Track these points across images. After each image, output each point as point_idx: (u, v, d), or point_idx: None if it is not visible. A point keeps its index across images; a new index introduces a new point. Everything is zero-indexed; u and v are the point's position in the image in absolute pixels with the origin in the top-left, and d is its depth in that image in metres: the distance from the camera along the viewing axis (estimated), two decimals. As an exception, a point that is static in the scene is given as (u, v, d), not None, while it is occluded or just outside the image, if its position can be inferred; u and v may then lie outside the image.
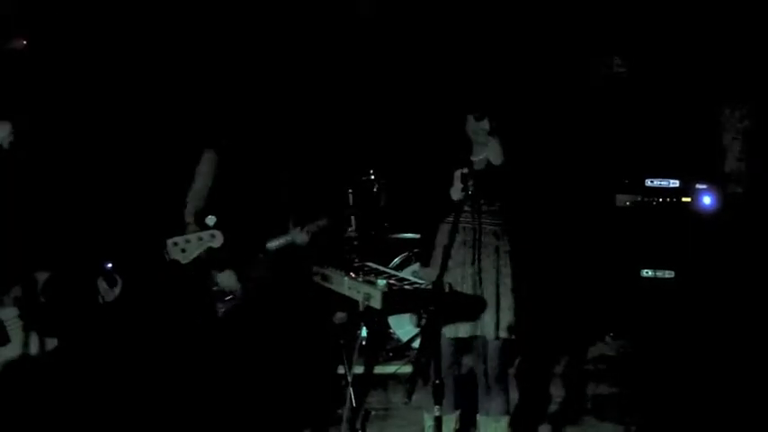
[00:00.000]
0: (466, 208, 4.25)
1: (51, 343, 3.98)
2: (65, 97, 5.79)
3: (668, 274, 6.91)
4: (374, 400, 5.82)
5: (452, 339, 4.37)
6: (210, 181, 4.89)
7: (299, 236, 4.90)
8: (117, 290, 3.99)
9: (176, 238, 3.93)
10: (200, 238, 3.94)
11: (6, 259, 3.98)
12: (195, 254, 3.94)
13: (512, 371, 4.66)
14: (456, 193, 4.24)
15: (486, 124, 4.34)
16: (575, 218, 7.01)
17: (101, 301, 3.96)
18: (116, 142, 6.10)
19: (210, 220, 3.95)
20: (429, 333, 3.63)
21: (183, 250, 3.92)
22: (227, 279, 4.74)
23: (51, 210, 4.34)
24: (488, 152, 4.33)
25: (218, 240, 3.95)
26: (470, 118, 4.39)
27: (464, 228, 4.33)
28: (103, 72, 6.18)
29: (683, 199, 6.98)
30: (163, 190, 5.91)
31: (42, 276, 3.98)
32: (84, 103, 5.98)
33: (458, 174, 4.18)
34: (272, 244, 4.82)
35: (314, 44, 6.98)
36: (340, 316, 5.83)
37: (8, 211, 4.08)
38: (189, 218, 4.84)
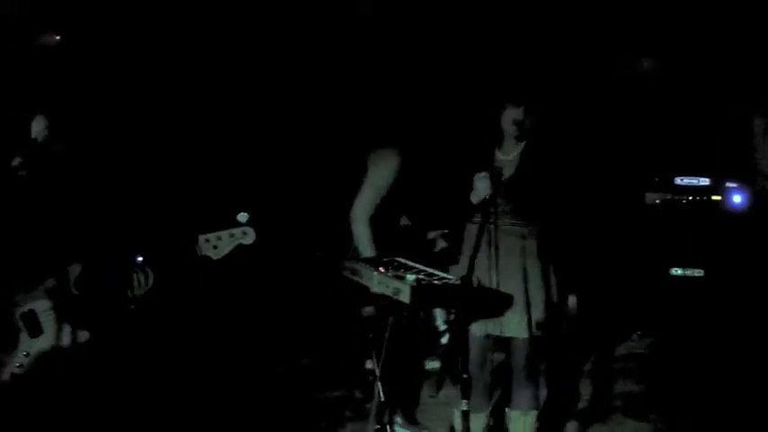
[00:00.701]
0: (492, 209, 4.24)
1: (83, 335, 4.03)
2: (101, 92, 5.86)
3: (698, 272, 6.88)
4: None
5: (482, 337, 4.38)
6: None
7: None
8: (149, 283, 4.03)
9: (208, 234, 3.95)
10: (232, 235, 3.95)
11: (40, 251, 4.03)
12: (227, 250, 3.95)
13: (542, 367, 4.68)
14: (475, 196, 4.24)
15: (521, 113, 4.33)
16: (604, 216, 6.98)
17: (130, 295, 4.00)
18: (151, 137, 6.16)
19: (243, 216, 3.96)
20: (457, 328, 3.65)
21: (215, 246, 3.94)
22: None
23: (84, 203, 4.38)
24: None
25: (249, 237, 3.96)
26: (508, 105, 4.38)
27: (490, 228, 4.32)
28: (140, 69, 6.24)
29: (713, 197, 6.94)
30: (196, 185, 5.97)
31: (75, 269, 4.03)
32: (120, 99, 6.04)
33: (476, 177, 4.19)
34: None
35: (329, 43, 7.00)
36: (368, 310, 5.85)
37: (42, 204, 4.13)
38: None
